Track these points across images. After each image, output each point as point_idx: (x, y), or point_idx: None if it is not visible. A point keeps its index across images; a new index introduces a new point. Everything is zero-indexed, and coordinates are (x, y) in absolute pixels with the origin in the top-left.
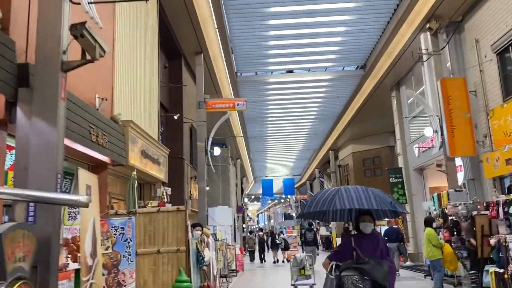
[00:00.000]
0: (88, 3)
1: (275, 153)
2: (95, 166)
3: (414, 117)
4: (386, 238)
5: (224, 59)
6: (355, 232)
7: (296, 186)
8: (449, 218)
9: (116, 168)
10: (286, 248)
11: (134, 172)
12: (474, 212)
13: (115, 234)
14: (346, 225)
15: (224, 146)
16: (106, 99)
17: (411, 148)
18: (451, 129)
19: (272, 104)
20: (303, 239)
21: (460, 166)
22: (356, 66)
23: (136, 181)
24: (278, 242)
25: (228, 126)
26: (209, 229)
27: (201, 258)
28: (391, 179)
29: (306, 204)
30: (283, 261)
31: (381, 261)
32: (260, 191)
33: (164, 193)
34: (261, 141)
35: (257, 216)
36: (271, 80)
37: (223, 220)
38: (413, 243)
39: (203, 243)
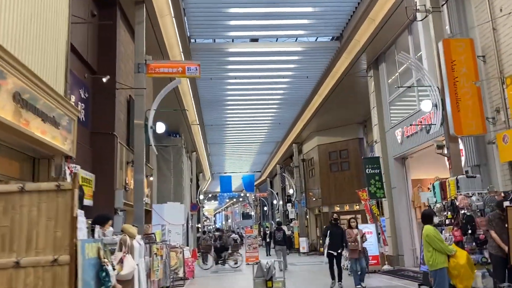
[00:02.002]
0: None
1: (235, 145)
2: None
3: (409, 87)
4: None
5: (173, 15)
6: None
7: (255, 184)
8: (461, 212)
9: None
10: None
11: None
12: (507, 203)
13: None
14: (335, 215)
15: (177, 136)
16: None
17: (391, 134)
18: (455, 102)
19: (233, 83)
20: (268, 240)
21: (461, 150)
22: (331, 37)
23: None
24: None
25: (182, 112)
26: (137, 226)
27: (104, 274)
28: (367, 169)
29: None
30: (235, 263)
31: None
32: (218, 189)
33: (67, 172)
34: (219, 131)
35: (214, 215)
36: (232, 50)
37: (173, 219)
38: (392, 243)
39: (123, 247)
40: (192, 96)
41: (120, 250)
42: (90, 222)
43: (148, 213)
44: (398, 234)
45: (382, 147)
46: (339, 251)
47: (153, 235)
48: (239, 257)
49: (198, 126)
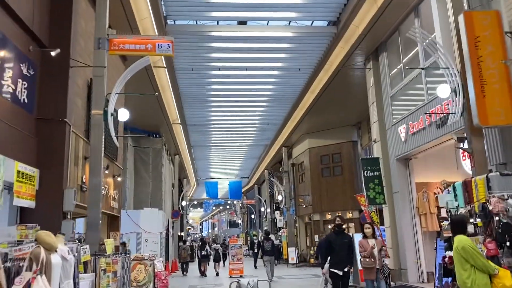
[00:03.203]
0: None
1: (221, 148)
2: None
3: (423, 68)
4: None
5: None
6: None
7: (242, 190)
8: (496, 218)
9: None
10: (216, 259)
11: None
12: None
13: None
14: (339, 219)
15: (157, 136)
16: None
17: (393, 132)
18: (480, 86)
19: (216, 75)
20: (256, 250)
21: None
22: (327, 21)
23: None
24: (204, 253)
25: (162, 110)
26: (64, 234)
27: None
28: (365, 172)
29: None
30: (216, 274)
31: None
32: (204, 196)
33: None
34: (203, 131)
35: (201, 224)
36: (216, 34)
37: (150, 226)
38: (394, 256)
39: (34, 263)
40: (172, 90)
41: (30, 269)
42: None
43: (115, 220)
44: (401, 245)
45: (382, 147)
46: (346, 268)
47: (101, 247)
48: None
49: (180, 125)
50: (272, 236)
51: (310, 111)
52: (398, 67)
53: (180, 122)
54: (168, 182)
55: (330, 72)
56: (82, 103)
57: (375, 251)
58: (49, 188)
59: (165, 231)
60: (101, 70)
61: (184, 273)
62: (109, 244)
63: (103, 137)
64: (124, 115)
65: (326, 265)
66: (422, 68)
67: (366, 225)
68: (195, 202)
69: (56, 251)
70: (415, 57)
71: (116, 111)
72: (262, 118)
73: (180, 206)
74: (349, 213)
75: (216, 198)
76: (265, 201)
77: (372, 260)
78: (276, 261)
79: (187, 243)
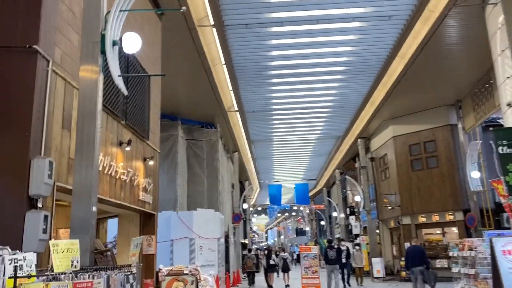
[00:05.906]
0: None
1: (285, 144)
2: None
3: None
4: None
5: None
6: None
7: (310, 194)
8: None
9: None
10: (285, 269)
11: None
12: None
13: None
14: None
15: (212, 127)
16: None
17: None
18: None
19: (278, 33)
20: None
21: None
22: None
23: None
24: (272, 263)
25: (215, 95)
26: None
27: None
28: (499, 148)
29: None
30: (287, 285)
31: None
32: (267, 202)
33: None
34: (264, 121)
35: (266, 232)
36: None
37: (205, 231)
38: None
39: None
40: (223, 62)
41: None
42: None
43: (150, 219)
44: None
45: None
46: None
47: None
48: None
49: (237, 113)
50: (347, 244)
51: (397, 86)
52: None
53: (237, 109)
54: (227, 181)
55: (431, 21)
56: (80, 40)
57: None
58: (8, 159)
59: (223, 238)
60: None
61: (251, 284)
62: (61, 253)
63: (101, 79)
64: (133, 43)
65: None
66: None
67: None
68: (259, 208)
69: None
70: None
71: (120, 38)
72: (336, 99)
73: (241, 209)
74: (449, 214)
75: (279, 205)
76: (336, 205)
77: None
78: (339, 271)
79: (252, 252)
